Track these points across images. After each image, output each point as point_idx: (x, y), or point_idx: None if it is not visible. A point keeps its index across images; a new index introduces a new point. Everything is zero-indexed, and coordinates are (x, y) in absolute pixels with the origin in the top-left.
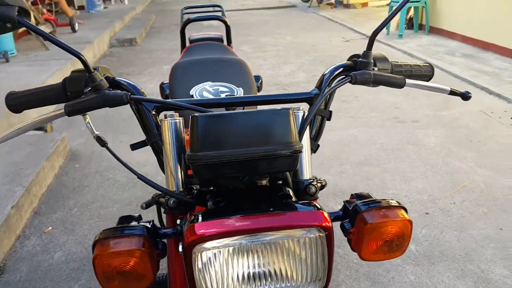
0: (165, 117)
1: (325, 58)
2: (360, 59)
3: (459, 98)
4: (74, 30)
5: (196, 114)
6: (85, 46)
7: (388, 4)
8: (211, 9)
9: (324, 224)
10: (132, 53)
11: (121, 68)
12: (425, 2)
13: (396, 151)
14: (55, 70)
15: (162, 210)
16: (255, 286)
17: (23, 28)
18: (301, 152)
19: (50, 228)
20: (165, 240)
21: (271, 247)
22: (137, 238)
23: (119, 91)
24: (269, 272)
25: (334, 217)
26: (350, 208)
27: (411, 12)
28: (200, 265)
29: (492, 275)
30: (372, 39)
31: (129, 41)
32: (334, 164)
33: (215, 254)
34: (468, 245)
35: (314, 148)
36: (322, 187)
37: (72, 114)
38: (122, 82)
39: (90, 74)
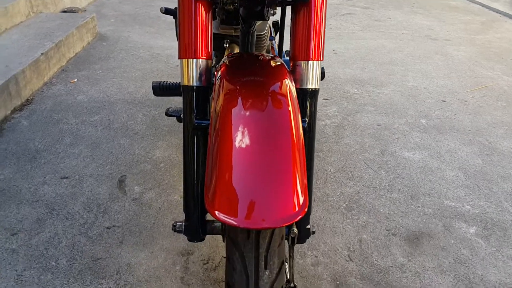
0: None
1: None
2: None
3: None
4: None
5: None
6: None
7: None
8: None
9: None
10: None
11: None
12: None
13: (422, 58)
14: None
15: None
16: None
17: None
18: None
19: (76, 80)
20: None
21: None
22: None
23: None
24: None
25: None
26: None
27: None
28: None
29: (499, 146)
30: None
31: None
32: (358, 62)
33: None
34: (480, 125)
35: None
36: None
37: None
38: None
39: None
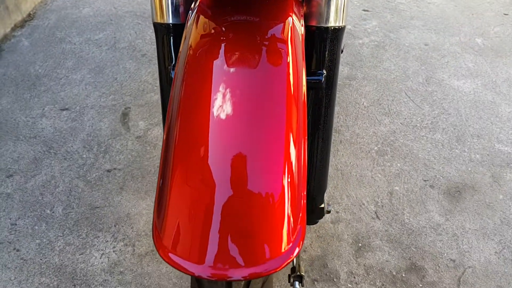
0: None
1: None
2: None
3: None
4: None
5: None
6: None
7: None
8: None
9: None
10: None
11: None
12: None
13: None
14: None
15: None
16: None
17: None
18: None
19: None
20: None
21: None
22: None
23: None
24: None
25: None
26: None
27: None
28: None
29: None
30: None
31: None
32: None
33: None
34: None
35: None
36: None
37: None
38: None
39: None
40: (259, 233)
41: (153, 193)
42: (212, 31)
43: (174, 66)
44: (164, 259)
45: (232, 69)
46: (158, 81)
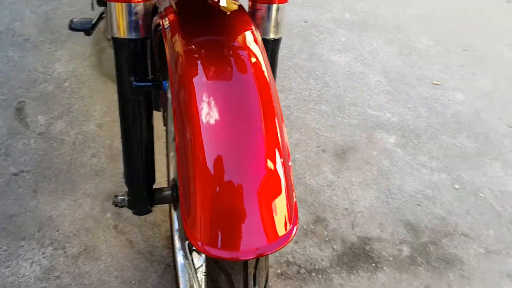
0: None
1: None
2: None
3: None
4: None
5: None
6: None
7: None
8: None
9: None
10: None
11: None
12: None
13: None
14: None
15: None
16: None
17: None
18: None
19: None
20: None
21: None
22: None
23: None
24: None
25: None
26: None
27: None
28: None
29: (417, 44)
30: None
31: None
32: None
33: None
34: (401, 20)
35: None
36: None
37: None
38: None
39: None
40: (270, 215)
41: (72, 191)
42: (193, 49)
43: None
44: (201, 251)
45: (221, 82)
46: (49, 69)
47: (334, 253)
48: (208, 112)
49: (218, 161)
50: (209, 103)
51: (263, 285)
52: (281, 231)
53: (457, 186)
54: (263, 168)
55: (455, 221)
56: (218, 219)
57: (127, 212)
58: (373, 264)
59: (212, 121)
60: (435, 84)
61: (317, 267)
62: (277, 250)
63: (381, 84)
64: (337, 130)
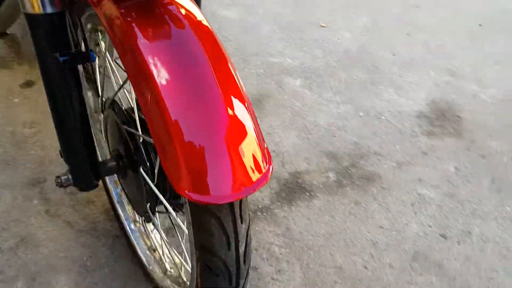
0: None
1: None
2: None
3: None
4: None
5: None
6: None
7: None
8: None
9: None
10: None
11: None
12: None
13: None
14: None
15: None
16: None
17: None
18: None
19: None
20: None
21: None
22: None
23: None
24: None
25: None
26: None
27: None
28: None
29: None
30: None
31: None
32: None
33: None
34: None
35: None
36: None
37: None
38: None
39: None
40: (249, 155)
41: None
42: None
43: (69, 53)
44: (192, 200)
45: (163, 36)
46: None
47: (272, 192)
48: (162, 71)
49: (185, 115)
50: (161, 62)
51: (248, 222)
52: (260, 168)
53: (361, 114)
54: (229, 112)
55: (367, 143)
56: (201, 167)
57: (54, 195)
58: (307, 194)
59: (169, 79)
60: (322, 26)
61: (260, 207)
62: (261, 186)
63: (276, 32)
64: (248, 81)
